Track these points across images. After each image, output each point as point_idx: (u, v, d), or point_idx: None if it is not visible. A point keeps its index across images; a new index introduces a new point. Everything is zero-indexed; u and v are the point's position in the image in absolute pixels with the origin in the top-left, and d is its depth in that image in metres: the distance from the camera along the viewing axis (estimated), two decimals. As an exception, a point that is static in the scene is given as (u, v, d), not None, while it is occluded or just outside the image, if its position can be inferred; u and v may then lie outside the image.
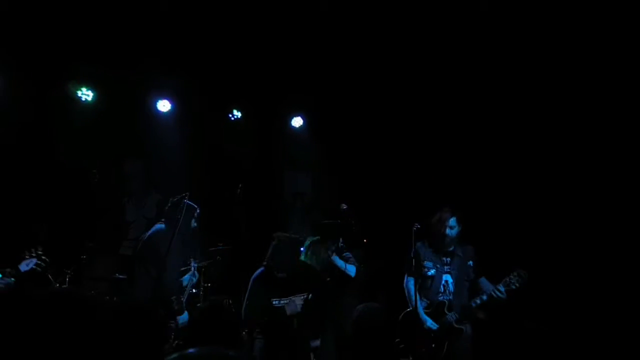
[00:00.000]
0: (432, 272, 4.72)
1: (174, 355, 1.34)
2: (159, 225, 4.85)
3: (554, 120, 5.90)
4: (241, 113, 7.11)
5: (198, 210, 4.89)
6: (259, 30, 6.06)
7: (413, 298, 4.58)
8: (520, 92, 6.07)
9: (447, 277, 4.71)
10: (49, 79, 6.06)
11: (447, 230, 4.68)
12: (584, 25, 5.38)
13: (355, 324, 2.63)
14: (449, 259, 4.75)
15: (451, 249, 4.77)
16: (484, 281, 4.65)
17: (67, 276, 5.51)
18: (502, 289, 4.44)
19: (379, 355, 2.54)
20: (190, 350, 1.36)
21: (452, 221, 4.69)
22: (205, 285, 5.91)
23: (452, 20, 5.75)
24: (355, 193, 6.24)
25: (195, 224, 4.88)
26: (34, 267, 3.90)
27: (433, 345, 4.52)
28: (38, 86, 6.00)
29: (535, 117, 6.02)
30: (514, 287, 4.44)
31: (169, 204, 4.87)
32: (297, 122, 7.37)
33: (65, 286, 5.13)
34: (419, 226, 4.64)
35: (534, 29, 5.60)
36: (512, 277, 4.46)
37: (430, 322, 4.61)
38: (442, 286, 4.70)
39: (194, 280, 5.08)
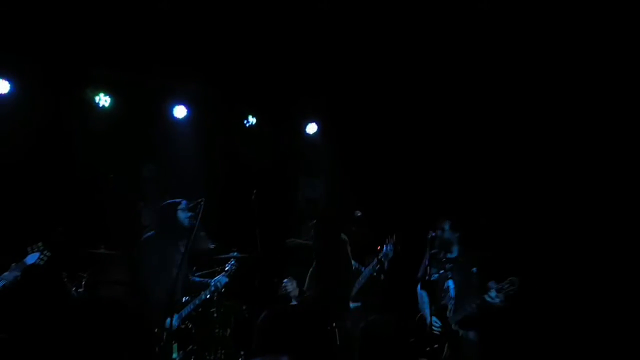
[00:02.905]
0: (435, 276, 4.79)
1: None
2: (149, 233, 4.87)
3: (566, 123, 5.90)
4: (256, 119, 7.15)
5: (184, 203, 4.79)
6: (274, 37, 6.10)
7: (423, 303, 4.73)
8: (538, 94, 6.03)
9: (449, 283, 4.78)
10: (68, 85, 6.16)
11: (445, 235, 4.79)
12: (587, 25, 5.37)
13: (363, 335, 2.61)
14: (450, 265, 4.81)
15: (453, 255, 4.82)
16: (492, 285, 4.61)
17: (83, 280, 5.59)
18: (492, 294, 4.45)
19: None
20: None
21: (446, 226, 4.81)
22: (219, 290, 5.93)
23: (468, 22, 5.73)
24: (369, 200, 6.23)
25: (189, 220, 4.74)
26: (37, 261, 4.03)
27: (435, 346, 4.57)
28: (57, 92, 6.10)
29: (546, 120, 6.01)
30: (506, 293, 4.45)
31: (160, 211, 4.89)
32: (311, 128, 7.39)
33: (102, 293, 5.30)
34: (434, 234, 4.67)
35: (547, 28, 5.58)
36: (504, 284, 4.47)
37: (433, 320, 4.65)
38: (444, 290, 4.77)
39: (222, 282, 5.01)
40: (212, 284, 4.96)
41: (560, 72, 5.77)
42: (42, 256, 4.03)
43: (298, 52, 6.29)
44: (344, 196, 6.72)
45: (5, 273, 3.89)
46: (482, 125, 6.46)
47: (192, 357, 5.66)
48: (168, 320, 4.38)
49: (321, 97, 6.89)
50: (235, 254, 6.05)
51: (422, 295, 4.82)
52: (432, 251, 4.75)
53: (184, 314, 4.71)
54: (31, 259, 4.00)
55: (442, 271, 4.80)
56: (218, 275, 5.11)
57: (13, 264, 3.93)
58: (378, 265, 5.10)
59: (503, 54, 5.92)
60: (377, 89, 6.73)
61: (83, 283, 5.56)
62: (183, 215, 4.76)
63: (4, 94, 5.98)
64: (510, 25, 5.65)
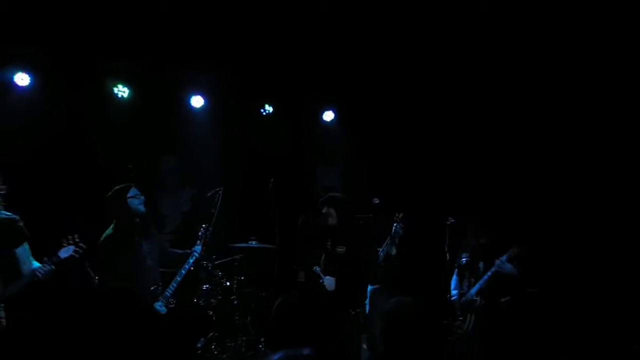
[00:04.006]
0: (464, 261, 5.17)
1: None
2: (108, 231, 4.52)
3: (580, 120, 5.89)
4: (273, 108, 7.16)
5: (132, 192, 4.46)
6: (290, 25, 6.09)
7: (451, 285, 5.20)
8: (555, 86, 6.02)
9: (481, 264, 5.10)
10: (87, 77, 6.22)
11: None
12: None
13: (386, 319, 2.64)
14: (482, 248, 5.12)
15: (482, 240, 5.12)
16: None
17: (105, 271, 5.68)
18: (503, 258, 4.95)
19: (411, 350, 2.54)
20: (275, 357, 1.44)
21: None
22: (238, 278, 6.02)
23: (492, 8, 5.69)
24: (387, 187, 6.23)
25: (140, 208, 4.45)
26: (72, 253, 4.00)
27: (460, 318, 5.03)
28: (76, 84, 6.16)
29: (563, 113, 6.01)
30: (513, 257, 4.94)
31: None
32: (328, 116, 7.39)
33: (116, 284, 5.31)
34: (453, 221, 4.75)
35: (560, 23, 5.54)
36: (512, 250, 4.95)
37: (454, 293, 5.19)
38: (477, 270, 5.13)
39: (197, 251, 4.75)
40: (192, 253, 4.70)
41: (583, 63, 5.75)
42: (76, 249, 4.00)
43: (314, 40, 6.27)
44: (362, 183, 6.72)
45: (39, 267, 3.89)
46: (500, 112, 6.43)
47: (214, 344, 5.77)
48: (157, 305, 4.32)
49: (338, 84, 6.88)
50: (253, 242, 6.12)
51: (454, 280, 5.23)
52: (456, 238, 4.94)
53: (168, 294, 4.47)
54: (65, 252, 3.97)
55: (472, 255, 5.11)
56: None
57: (45, 258, 3.92)
58: (388, 243, 5.21)
59: (529, 40, 5.90)
60: (394, 76, 6.69)
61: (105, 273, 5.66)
62: (135, 202, 4.44)
63: (24, 87, 6.07)
64: (531, 10, 5.60)
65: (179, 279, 4.53)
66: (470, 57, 6.23)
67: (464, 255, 5.19)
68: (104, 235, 4.43)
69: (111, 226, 4.46)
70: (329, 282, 4.75)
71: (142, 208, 4.45)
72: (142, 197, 4.46)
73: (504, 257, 4.92)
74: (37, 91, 6.10)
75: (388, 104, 6.96)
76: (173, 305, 4.43)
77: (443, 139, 6.78)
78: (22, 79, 6.04)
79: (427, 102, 6.82)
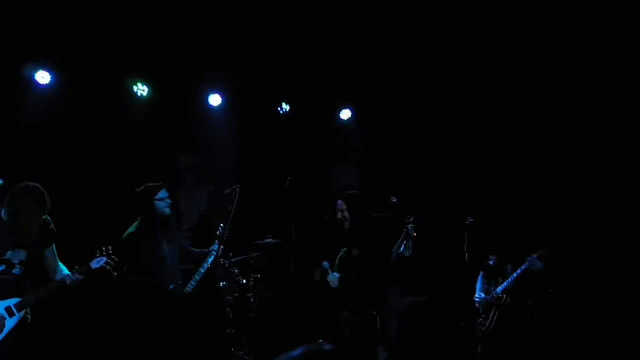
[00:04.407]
0: (492, 262, 5.26)
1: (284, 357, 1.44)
2: (131, 228, 4.57)
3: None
4: (290, 106, 7.17)
5: (161, 194, 4.51)
6: (307, 23, 6.08)
7: (477, 287, 5.28)
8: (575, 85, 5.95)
9: (509, 266, 5.17)
10: (107, 75, 6.29)
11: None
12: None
13: (402, 318, 2.62)
14: (509, 250, 5.22)
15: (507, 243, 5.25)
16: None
17: (124, 267, 5.75)
18: (535, 256, 5.01)
19: (427, 349, 2.53)
20: (296, 352, 1.44)
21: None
22: (255, 276, 6.04)
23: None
24: (404, 186, 6.20)
25: (166, 211, 4.50)
26: (104, 264, 4.02)
27: (483, 316, 5.09)
28: (96, 82, 6.24)
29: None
30: (543, 255, 5.03)
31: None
32: (345, 114, 7.37)
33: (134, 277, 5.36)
34: (472, 220, 4.75)
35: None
36: (541, 248, 5.04)
37: (478, 292, 5.26)
38: (504, 271, 5.21)
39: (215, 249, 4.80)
40: (211, 252, 4.74)
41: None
42: (109, 261, 4.02)
43: (331, 38, 6.26)
44: (379, 182, 6.70)
45: (68, 275, 3.94)
46: (518, 111, 6.36)
47: (229, 340, 5.80)
48: None
49: (355, 82, 6.86)
50: (270, 240, 6.13)
51: (480, 281, 5.31)
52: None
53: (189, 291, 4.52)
54: (97, 263, 4.00)
55: (501, 256, 5.18)
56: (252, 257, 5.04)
57: (76, 267, 3.96)
58: (402, 245, 5.18)
59: (550, 37, 5.84)
60: (411, 74, 6.66)
61: (124, 268, 5.72)
62: (162, 205, 4.51)
63: (45, 85, 6.15)
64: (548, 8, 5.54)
65: (197, 277, 4.57)
66: (492, 56, 6.17)
67: (491, 257, 5.25)
68: (127, 231, 4.48)
69: (135, 223, 4.52)
70: (332, 278, 4.77)
71: (167, 211, 4.52)
72: (170, 201, 4.54)
73: (535, 255, 4.97)
74: (57, 89, 6.18)
75: (405, 102, 6.92)
76: None
77: (462, 136, 6.72)
78: (42, 77, 6.13)
79: (445, 100, 6.77)
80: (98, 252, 4.03)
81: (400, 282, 5.30)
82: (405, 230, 5.17)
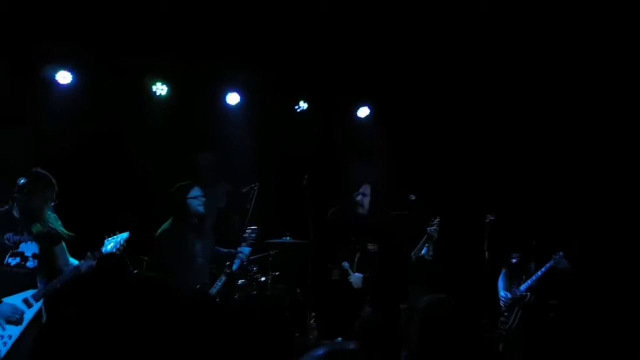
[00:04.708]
0: (515, 260, 5.14)
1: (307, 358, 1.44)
2: (165, 225, 4.67)
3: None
4: (307, 104, 7.17)
5: (194, 192, 4.59)
6: (324, 21, 6.07)
7: (499, 286, 5.15)
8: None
9: (532, 265, 5.06)
10: (127, 75, 6.36)
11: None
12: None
13: (421, 316, 2.60)
14: (533, 248, 5.08)
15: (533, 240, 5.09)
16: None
17: (144, 263, 5.81)
18: (561, 254, 4.85)
19: (447, 347, 2.51)
20: (319, 351, 1.44)
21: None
22: (273, 273, 6.05)
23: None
24: (423, 183, 6.16)
25: (200, 209, 4.58)
26: (114, 249, 4.11)
27: (505, 314, 4.99)
28: (116, 82, 6.31)
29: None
30: (569, 253, 4.85)
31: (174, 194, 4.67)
32: (363, 112, 7.34)
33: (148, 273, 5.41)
34: (492, 218, 4.69)
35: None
36: (567, 246, 4.88)
37: (502, 290, 5.13)
38: (527, 270, 5.08)
39: (245, 252, 4.85)
40: (237, 255, 4.80)
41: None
42: (119, 246, 4.11)
43: (348, 36, 6.24)
44: (397, 180, 6.67)
45: (82, 261, 4.02)
46: (540, 106, 6.28)
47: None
48: None
49: (372, 79, 6.83)
50: (287, 239, 6.14)
51: (502, 280, 5.22)
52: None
53: (214, 292, 4.58)
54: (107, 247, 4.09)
55: (523, 254, 5.07)
56: (272, 257, 5.07)
57: (89, 253, 4.04)
58: (426, 247, 5.14)
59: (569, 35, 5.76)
60: (430, 70, 6.61)
61: (144, 265, 5.79)
62: (196, 203, 4.59)
63: (67, 85, 6.24)
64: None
65: (224, 278, 4.63)
66: (516, 51, 6.10)
67: (514, 255, 5.15)
68: (161, 229, 4.57)
69: (168, 221, 4.60)
70: (355, 279, 4.72)
71: (201, 209, 4.59)
72: (203, 199, 4.59)
73: (561, 253, 4.84)
74: (78, 89, 6.26)
75: (424, 99, 6.87)
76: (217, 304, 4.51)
77: (482, 132, 6.66)
78: (63, 77, 6.21)
79: (464, 96, 6.70)
80: (107, 237, 4.12)
81: (419, 282, 5.25)
82: (427, 232, 5.12)
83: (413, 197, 5.25)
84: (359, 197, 4.73)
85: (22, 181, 3.91)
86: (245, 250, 4.79)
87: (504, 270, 5.26)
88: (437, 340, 2.57)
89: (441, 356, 2.56)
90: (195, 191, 4.60)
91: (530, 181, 6.19)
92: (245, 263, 5.58)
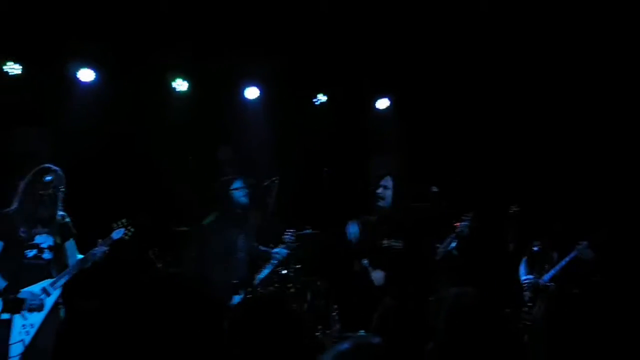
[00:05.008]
0: (537, 249, 5.07)
1: (329, 355, 1.44)
2: (211, 217, 4.81)
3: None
4: (326, 97, 7.16)
5: (237, 184, 4.70)
6: (342, 12, 6.05)
7: (521, 274, 5.09)
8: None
9: (555, 254, 4.97)
10: (147, 71, 6.42)
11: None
12: None
13: (448, 309, 2.60)
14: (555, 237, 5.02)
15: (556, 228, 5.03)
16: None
17: (168, 257, 5.90)
18: (585, 244, 4.74)
19: (474, 339, 2.50)
20: (344, 346, 1.45)
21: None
22: (295, 267, 6.08)
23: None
24: (444, 175, 6.12)
25: (243, 200, 4.71)
26: (122, 236, 4.20)
27: (529, 304, 4.90)
28: (137, 78, 6.38)
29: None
30: (596, 243, 4.72)
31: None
32: (382, 103, 7.31)
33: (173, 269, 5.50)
34: (516, 209, 4.62)
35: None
36: (594, 235, 4.76)
37: (527, 278, 5.05)
38: (550, 259, 4.99)
39: (282, 254, 4.96)
40: (273, 255, 4.90)
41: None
42: (126, 232, 4.21)
43: (366, 25, 6.21)
44: (418, 173, 6.63)
45: (95, 248, 4.12)
46: (559, 101, 6.20)
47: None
48: (235, 298, 4.48)
49: (392, 71, 6.79)
50: (308, 231, 6.15)
51: (523, 268, 5.16)
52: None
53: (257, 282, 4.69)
54: (117, 234, 4.18)
55: (545, 244, 5.01)
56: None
57: (99, 240, 4.15)
58: (454, 242, 5.04)
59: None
60: (450, 61, 6.54)
61: (168, 259, 5.87)
62: (239, 194, 4.71)
63: (89, 82, 6.32)
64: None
65: (261, 276, 4.76)
66: (537, 42, 6.01)
67: (535, 243, 5.08)
68: (205, 221, 4.70)
69: (212, 214, 4.73)
70: (377, 276, 4.58)
71: (244, 200, 4.71)
72: (246, 190, 4.70)
73: (584, 243, 4.72)
74: (101, 85, 6.34)
75: (444, 89, 6.81)
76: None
77: (503, 123, 6.59)
78: (86, 75, 6.29)
79: (484, 85, 6.64)
80: (115, 225, 4.20)
81: (444, 275, 5.20)
82: (457, 228, 4.99)
83: (435, 189, 5.19)
84: (379, 190, 4.61)
85: (48, 178, 3.97)
86: (282, 251, 4.89)
87: (524, 259, 5.18)
88: (464, 332, 2.57)
89: (468, 348, 2.56)
90: (238, 183, 4.71)
91: (552, 171, 6.11)
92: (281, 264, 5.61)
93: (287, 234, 4.97)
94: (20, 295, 3.82)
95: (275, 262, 4.89)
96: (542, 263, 5.01)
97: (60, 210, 4.09)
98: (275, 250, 4.91)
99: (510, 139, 6.53)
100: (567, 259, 4.80)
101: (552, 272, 4.89)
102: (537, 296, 4.93)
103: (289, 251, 4.94)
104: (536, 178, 6.10)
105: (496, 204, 5.17)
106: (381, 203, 4.59)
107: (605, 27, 5.58)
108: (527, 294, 5.02)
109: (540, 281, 4.93)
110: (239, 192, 4.69)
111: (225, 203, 4.68)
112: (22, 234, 3.91)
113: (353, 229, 4.58)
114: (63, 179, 4.03)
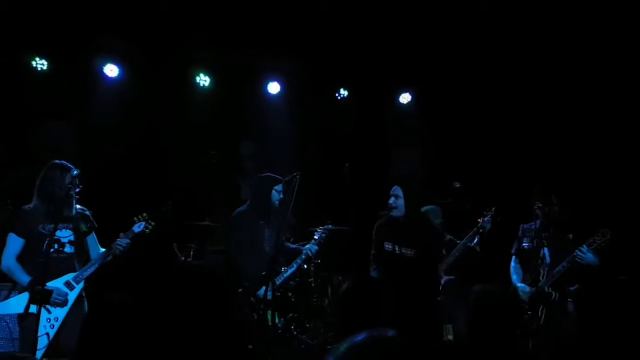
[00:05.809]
0: (526, 245, 4.73)
1: (343, 345, 1.43)
2: (242, 207, 4.92)
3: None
4: (348, 92, 7.14)
5: (279, 187, 4.78)
6: (363, 7, 6.02)
7: (511, 272, 4.79)
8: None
9: (545, 250, 4.60)
10: (171, 67, 6.48)
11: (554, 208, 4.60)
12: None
13: (473, 308, 2.57)
14: (546, 234, 4.61)
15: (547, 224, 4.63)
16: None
17: (192, 250, 5.97)
18: (584, 249, 4.35)
19: (499, 339, 2.48)
20: (358, 338, 1.44)
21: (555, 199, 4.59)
22: (315, 261, 6.09)
23: None
24: (467, 171, 6.07)
25: (279, 201, 4.79)
26: (143, 229, 4.26)
27: (529, 312, 4.53)
28: (161, 73, 6.45)
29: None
30: (598, 246, 4.34)
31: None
32: (405, 98, 7.26)
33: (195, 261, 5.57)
34: (540, 205, 4.47)
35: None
36: (595, 237, 4.37)
37: (520, 287, 4.68)
38: (539, 259, 4.60)
39: (312, 250, 5.00)
40: (304, 251, 4.99)
41: None
42: (147, 225, 4.27)
43: (388, 20, 6.17)
44: (440, 168, 6.59)
45: (117, 240, 4.19)
46: (583, 95, 6.08)
47: (293, 324, 5.89)
48: (261, 291, 4.51)
49: (414, 65, 6.74)
50: (329, 226, 6.16)
51: (511, 266, 4.86)
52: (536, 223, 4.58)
53: (277, 283, 4.72)
54: (137, 227, 4.25)
55: (536, 240, 4.60)
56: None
57: (121, 233, 4.22)
58: (476, 238, 4.98)
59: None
60: (472, 55, 6.47)
61: (192, 253, 5.95)
62: (276, 196, 4.81)
63: (114, 77, 6.40)
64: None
65: (290, 271, 4.84)
66: (561, 38, 5.90)
67: (524, 240, 4.74)
68: (237, 210, 4.84)
69: (247, 203, 4.88)
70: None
71: (277, 203, 4.83)
72: (282, 196, 4.81)
73: (584, 247, 4.34)
74: (125, 81, 6.43)
75: (466, 84, 6.74)
76: (278, 294, 4.66)
77: (525, 119, 6.49)
78: (111, 70, 6.38)
79: (507, 81, 6.54)
80: (136, 219, 4.27)
81: (462, 273, 5.14)
82: (479, 224, 4.91)
83: (458, 185, 5.15)
84: (391, 200, 4.51)
85: (75, 172, 4.05)
86: (313, 248, 4.97)
87: (513, 258, 4.84)
88: (486, 330, 2.55)
89: (491, 346, 2.54)
90: (280, 186, 4.84)
91: (575, 167, 6.00)
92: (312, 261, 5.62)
93: (319, 231, 5.03)
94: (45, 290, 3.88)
95: (305, 257, 4.93)
96: (534, 262, 4.62)
97: (77, 204, 4.16)
98: (307, 246, 4.99)
99: (532, 134, 6.42)
100: (563, 264, 4.44)
101: (551, 278, 4.52)
102: (538, 303, 4.54)
103: (318, 248, 4.98)
104: (561, 173, 6.00)
105: (516, 200, 5.06)
106: (394, 213, 4.51)
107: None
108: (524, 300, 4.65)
109: (539, 286, 4.53)
110: (277, 194, 4.83)
111: (260, 197, 4.80)
112: (42, 230, 3.98)
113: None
114: (77, 174, 4.09)
